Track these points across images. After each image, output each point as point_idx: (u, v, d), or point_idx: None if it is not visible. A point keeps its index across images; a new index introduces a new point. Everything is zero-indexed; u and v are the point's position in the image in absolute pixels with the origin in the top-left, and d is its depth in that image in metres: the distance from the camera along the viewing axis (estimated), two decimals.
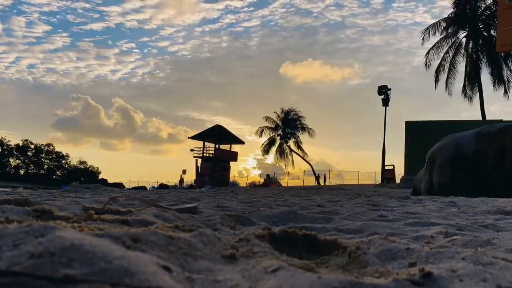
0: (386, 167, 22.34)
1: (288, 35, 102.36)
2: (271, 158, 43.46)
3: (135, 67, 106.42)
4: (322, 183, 33.21)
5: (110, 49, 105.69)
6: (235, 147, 41.63)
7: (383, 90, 14.26)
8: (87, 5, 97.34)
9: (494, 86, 28.96)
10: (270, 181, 27.62)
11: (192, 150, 39.16)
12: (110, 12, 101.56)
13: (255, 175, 31.96)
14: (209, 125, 40.32)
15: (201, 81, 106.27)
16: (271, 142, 42.82)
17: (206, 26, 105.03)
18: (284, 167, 42.16)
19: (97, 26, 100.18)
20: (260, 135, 42.93)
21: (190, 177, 33.01)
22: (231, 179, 38.34)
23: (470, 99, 29.67)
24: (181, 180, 31.17)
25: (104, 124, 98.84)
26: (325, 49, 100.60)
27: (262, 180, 30.74)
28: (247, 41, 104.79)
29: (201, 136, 39.09)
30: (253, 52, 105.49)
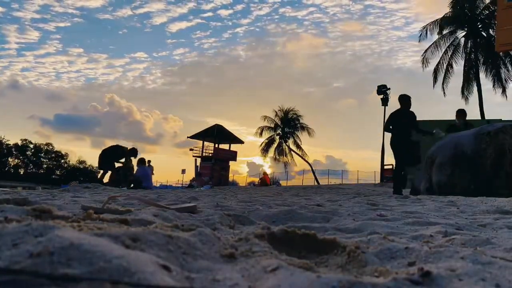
0: (385, 167, 22.32)
1: (275, 40, 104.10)
2: (268, 158, 43.53)
3: (125, 70, 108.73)
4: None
5: (100, 54, 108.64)
6: (234, 147, 41.67)
7: (382, 90, 14.23)
8: (78, 12, 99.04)
9: (493, 86, 29.04)
10: (266, 181, 27.34)
11: (191, 149, 39.17)
12: (102, 20, 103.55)
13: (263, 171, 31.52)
14: (206, 126, 40.33)
15: (196, 83, 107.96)
16: (270, 142, 42.83)
17: (197, 32, 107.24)
18: (283, 167, 42.23)
19: (88, 32, 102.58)
20: (260, 135, 42.97)
21: (190, 177, 32.96)
22: (230, 179, 38.35)
23: (467, 98, 29.76)
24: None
25: (102, 124, 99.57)
26: (314, 51, 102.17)
27: (258, 181, 30.50)
28: (237, 46, 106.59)
29: (200, 136, 39.08)
30: (244, 56, 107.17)
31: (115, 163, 11.13)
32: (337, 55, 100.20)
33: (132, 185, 10.44)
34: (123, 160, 11.19)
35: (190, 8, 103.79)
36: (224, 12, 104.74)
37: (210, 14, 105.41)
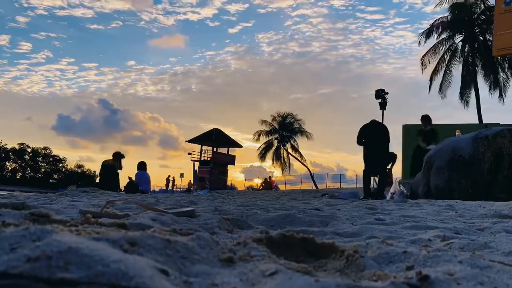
0: None
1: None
2: (268, 162, 43.54)
3: (115, 77, 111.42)
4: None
5: (90, 63, 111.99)
6: (233, 151, 41.63)
7: (381, 94, 14.20)
8: (65, 23, 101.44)
9: (490, 90, 29.15)
10: (269, 185, 27.42)
11: (189, 153, 39.09)
12: (93, 28, 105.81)
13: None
14: (201, 132, 40.39)
15: (186, 91, 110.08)
16: (268, 146, 42.83)
17: (187, 41, 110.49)
18: (281, 171, 42.23)
19: (78, 40, 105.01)
20: (258, 140, 42.97)
21: (188, 181, 32.78)
22: (228, 183, 38.27)
23: (467, 103, 29.86)
24: (168, 183, 29.93)
25: (99, 128, 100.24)
26: (302, 58, 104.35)
27: (259, 185, 30.43)
28: (226, 55, 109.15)
29: (199, 140, 39.04)
30: (233, 64, 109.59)
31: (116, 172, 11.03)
32: (324, 61, 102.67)
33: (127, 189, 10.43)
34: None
35: (178, 19, 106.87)
36: (211, 23, 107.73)
37: (197, 26, 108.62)
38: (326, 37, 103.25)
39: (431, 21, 29.71)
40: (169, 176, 27.76)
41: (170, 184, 27.39)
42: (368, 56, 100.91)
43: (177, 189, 26.86)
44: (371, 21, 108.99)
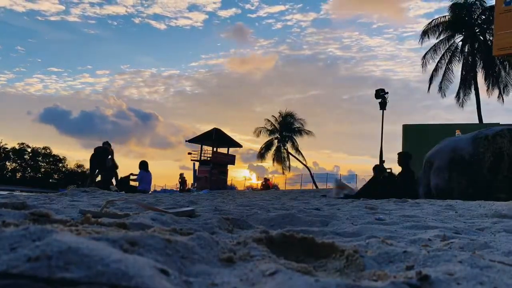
0: None
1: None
2: (268, 162, 43.56)
3: (110, 80, 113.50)
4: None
5: (84, 66, 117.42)
6: (233, 151, 41.63)
7: (381, 94, 14.17)
8: (60, 27, 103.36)
9: (490, 90, 29.15)
10: (267, 186, 28.13)
11: (189, 153, 39.07)
12: (87, 32, 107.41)
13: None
14: (199, 132, 40.48)
15: (181, 93, 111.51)
16: (268, 146, 42.82)
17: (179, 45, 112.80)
18: (281, 171, 42.27)
19: (74, 44, 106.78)
20: (258, 140, 43.01)
21: (188, 181, 32.72)
22: (228, 183, 38.27)
23: (462, 103, 29.90)
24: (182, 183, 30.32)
25: (96, 130, 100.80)
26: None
27: (259, 185, 30.93)
28: (218, 58, 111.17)
29: (199, 139, 39.03)
30: (227, 68, 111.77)
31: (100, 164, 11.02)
32: (315, 63, 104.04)
33: (125, 189, 10.40)
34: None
35: (170, 24, 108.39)
36: (202, 28, 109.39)
37: (189, 30, 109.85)
38: (316, 40, 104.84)
39: (422, 23, 29.91)
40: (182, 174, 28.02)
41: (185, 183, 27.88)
42: (358, 58, 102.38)
43: (177, 189, 26.99)
44: (360, 24, 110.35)
